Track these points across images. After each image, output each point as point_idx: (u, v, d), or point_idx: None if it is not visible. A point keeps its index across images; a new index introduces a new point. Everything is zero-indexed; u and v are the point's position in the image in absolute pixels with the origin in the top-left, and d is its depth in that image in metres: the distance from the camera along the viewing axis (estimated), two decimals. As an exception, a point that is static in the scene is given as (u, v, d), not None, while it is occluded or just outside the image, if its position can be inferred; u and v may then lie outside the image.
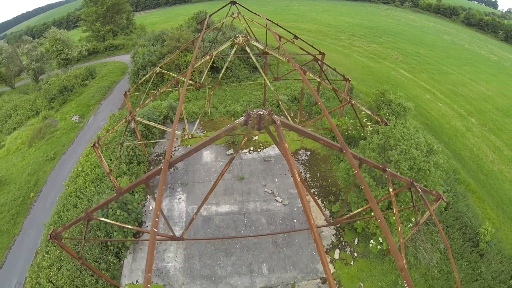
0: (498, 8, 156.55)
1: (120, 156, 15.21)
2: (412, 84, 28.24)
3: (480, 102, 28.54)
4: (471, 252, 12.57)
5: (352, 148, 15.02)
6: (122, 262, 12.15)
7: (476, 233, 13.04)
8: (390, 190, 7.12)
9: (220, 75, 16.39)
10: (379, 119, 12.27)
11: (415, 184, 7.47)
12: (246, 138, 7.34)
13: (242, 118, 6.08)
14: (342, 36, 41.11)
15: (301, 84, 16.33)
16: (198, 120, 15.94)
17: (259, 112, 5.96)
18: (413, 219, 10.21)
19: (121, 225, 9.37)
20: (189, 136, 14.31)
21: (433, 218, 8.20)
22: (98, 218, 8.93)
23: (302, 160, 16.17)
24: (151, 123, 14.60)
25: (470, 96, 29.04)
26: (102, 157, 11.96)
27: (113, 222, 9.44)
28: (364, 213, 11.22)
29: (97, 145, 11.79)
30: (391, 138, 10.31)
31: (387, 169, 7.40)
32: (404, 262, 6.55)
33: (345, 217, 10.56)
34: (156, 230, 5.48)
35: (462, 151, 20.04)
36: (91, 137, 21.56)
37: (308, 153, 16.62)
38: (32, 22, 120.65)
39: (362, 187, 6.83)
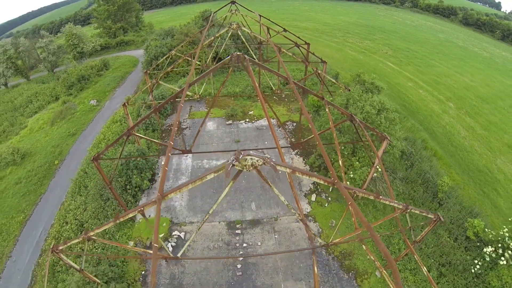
0: (502, 9, 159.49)
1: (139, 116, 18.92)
2: (397, 75, 31.64)
3: (461, 90, 31.75)
4: (431, 201, 15.72)
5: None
6: (137, 202, 15.58)
7: (435, 184, 16.16)
8: (331, 123, 10.48)
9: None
10: (342, 86, 15.74)
11: (354, 116, 10.77)
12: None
13: (227, 58, 9.68)
14: (337, 33, 44.85)
15: (289, 67, 20.01)
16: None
17: (237, 53, 9.64)
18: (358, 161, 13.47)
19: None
20: (197, 96, 17.88)
21: (376, 154, 11.49)
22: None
23: (289, 129, 19.64)
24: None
25: (452, 85, 32.27)
26: (129, 114, 15.56)
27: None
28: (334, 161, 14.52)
29: (126, 104, 15.41)
30: (350, 99, 13.66)
31: (325, 99, 10.73)
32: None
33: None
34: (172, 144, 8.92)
35: (435, 128, 23.25)
36: (108, 117, 25.30)
37: (294, 124, 20.12)
38: (37, 21, 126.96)
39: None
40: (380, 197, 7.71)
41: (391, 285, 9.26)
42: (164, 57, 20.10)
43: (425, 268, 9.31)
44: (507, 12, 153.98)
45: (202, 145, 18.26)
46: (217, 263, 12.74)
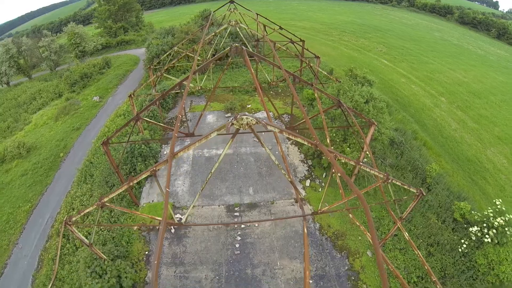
0: (500, 9, 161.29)
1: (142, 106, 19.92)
2: (390, 71, 32.67)
3: (453, 86, 32.78)
4: (420, 186, 16.63)
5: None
6: (141, 188, 16.47)
7: (424, 171, 17.11)
8: (319, 106, 11.40)
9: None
10: (333, 78, 16.74)
11: (341, 102, 11.70)
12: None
13: (227, 49, 10.59)
14: (334, 32, 45.95)
15: (285, 64, 21.03)
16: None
17: (236, 44, 10.57)
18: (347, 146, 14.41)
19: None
20: (199, 88, 18.85)
21: (361, 135, 12.44)
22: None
23: (285, 121, 20.55)
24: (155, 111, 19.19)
25: (445, 81, 33.30)
26: (134, 104, 16.51)
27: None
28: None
29: (132, 95, 16.36)
30: (341, 89, 14.63)
31: (314, 85, 11.68)
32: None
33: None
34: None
35: (426, 120, 24.23)
36: (111, 112, 26.21)
37: (290, 116, 21.02)
38: (36, 22, 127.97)
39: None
40: (361, 163, 8.60)
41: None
42: (167, 53, 21.12)
43: (413, 243, 10.17)
44: (505, 11, 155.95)
45: (201, 129, 19.22)
46: (217, 243, 13.63)
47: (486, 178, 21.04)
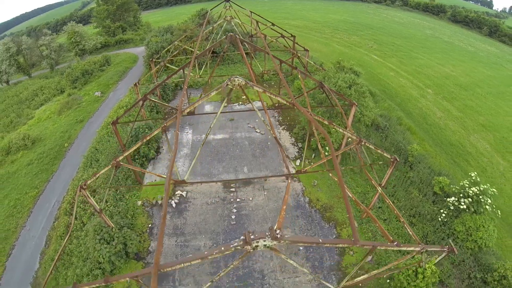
0: (494, 8, 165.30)
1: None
2: (380, 65, 34.48)
3: (441, 79, 34.62)
4: (403, 165, 18.21)
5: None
6: (147, 163, 17.90)
7: (406, 151, 18.71)
8: (303, 87, 12.93)
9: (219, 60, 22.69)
10: (319, 67, 18.37)
11: (323, 83, 13.28)
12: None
13: (223, 38, 12.08)
14: (326, 30, 47.91)
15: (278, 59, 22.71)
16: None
17: (231, 33, 12.08)
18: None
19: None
20: (198, 76, 20.40)
21: (344, 117, 14.00)
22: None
23: (278, 110, 22.13)
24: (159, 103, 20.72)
25: (432, 75, 35.14)
26: (139, 93, 18.02)
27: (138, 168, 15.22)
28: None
29: (138, 84, 17.88)
30: (326, 76, 16.24)
31: (298, 68, 13.24)
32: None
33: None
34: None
35: (412, 109, 25.92)
36: (113, 106, 27.63)
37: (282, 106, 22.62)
38: (32, 22, 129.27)
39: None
40: (333, 123, 10.14)
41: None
42: (166, 49, 22.71)
43: (394, 206, 11.60)
44: (499, 10, 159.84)
45: (201, 123, 20.69)
46: (214, 215, 15.04)
47: (468, 160, 22.69)
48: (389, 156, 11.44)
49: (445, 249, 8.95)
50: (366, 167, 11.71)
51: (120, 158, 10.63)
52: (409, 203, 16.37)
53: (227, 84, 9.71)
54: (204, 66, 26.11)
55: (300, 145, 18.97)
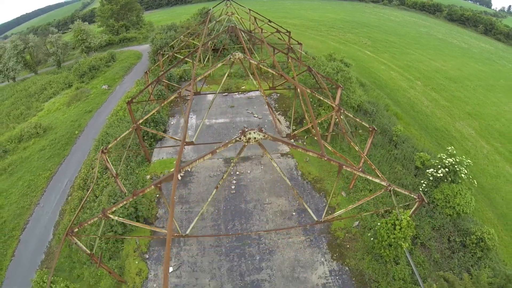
0: (492, 7, 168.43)
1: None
2: (372, 60, 36.67)
3: (431, 72, 36.77)
4: (388, 144, 20.20)
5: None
6: (152, 150, 19.87)
7: (391, 132, 20.73)
8: (292, 70, 14.96)
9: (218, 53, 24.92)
10: (310, 57, 20.49)
11: (311, 67, 15.34)
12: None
13: (224, 29, 14.24)
14: (322, 28, 50.32)
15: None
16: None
17: (231, 25, 14.28)
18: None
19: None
20: (202, 65, 22.55)
21: (330, 99, 16.04)
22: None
23: (274, 99, 24.27)
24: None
25: (423, 69, 37.31)
26: (150, 80, 20.12)
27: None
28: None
29: (148, 72, 20.03)
30: (316, 65, 18.36)
31: (288, 54, 15.34)
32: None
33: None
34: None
35: (401, 98, 27.98)
36: (121, 97, 29.72)
37: (278, 95, 24.77)
38: (32, 23, 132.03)
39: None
40: (315, 92, 12.17)
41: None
42: (170, 45, 24.92)
43: (377, 169, 13.48)
44: (497, 10, 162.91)
45: (204, 110, 22.76)
46: (216, 185, 16.99)
47: (452, 143, 24.65)
48: (367, 126, 13.42)
49: (415, 196, 10.87)
50: (347, 134, 13.60)
51: (141, 121, 12.63)
52: (393, 176, 18.30)
53: (230, 58, 11.74)
54: (205, 60, 28.32)
55: (294, 127, 21.00)
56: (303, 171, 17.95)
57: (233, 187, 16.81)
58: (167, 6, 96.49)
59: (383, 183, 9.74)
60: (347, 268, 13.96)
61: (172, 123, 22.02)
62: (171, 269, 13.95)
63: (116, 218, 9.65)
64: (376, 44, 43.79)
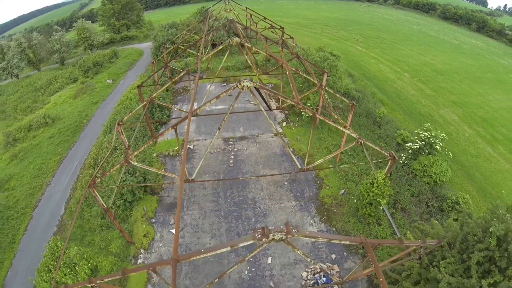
0: (488, 6, 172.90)
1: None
2: (363, 55, 39.27)
3: (419, 66, 39.37)
4: (372, 125, 22.56)
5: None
6: (157, 132, 22.14)
7: (374, 114, 23.12)
8: (282, 57, 17.37)
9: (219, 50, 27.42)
10: (299, 48, 22.96)
11: (299, 55, 17.75)
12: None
13: (223, 23, 16.65)
14: (317, 26, 53.12)
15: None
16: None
17: (230, 19, 16.70)
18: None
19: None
20: (205, 56, 24.85)
21: (315, 81, 18.44)
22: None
23: (269, 87, 26.69)
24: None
25: (412, 62, 39.92)
26: (154, 67, 22.47)
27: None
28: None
29: (154, 62, 22.38)
30: (304, 54, 20.83)
31: (279, 43, 17.75)
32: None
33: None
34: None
35: (387, 88, 30.44)
36: (125, 90, 32.03)
37: (272, 85, 27.26)
38: (30, 24, 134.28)
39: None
40: (300, 71, 14.51)
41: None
42: (173, 39, 27.44)
43: (351, 129, 15.79)
44: (493, 9, 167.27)
45: (205, 98, 25.14)
46: (216, 160, 19.21)
47: (435, 127, 27.08)
48: (347, 101, 15.78)
49: (386, 153, 13.12)
50: (329, 108, 15.86)
51: (154, 95, 14.90)
52: (376, 151, 20.59)
53: (229, 41, 14.06)
54: (206, 53, 30.84)
55: (286, 111, 23.40)
56: (294, 148, 20.24)
57: (231, 161, 19.06)
58: (166, 6, 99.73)
59: (353, 135, 12.01)
60: (334, 229, 16.10)
61: (175, 109, 24.38)
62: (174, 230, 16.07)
63: (136, 163, 11.76)
64: (368, 40, 46.50)
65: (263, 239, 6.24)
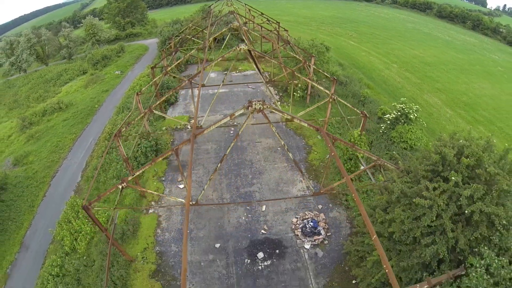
0: (487, 6, 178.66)
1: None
2: (354, 48, 43.21)
3: (408, 58, 43.24)
4: (357, 104, 26.18)
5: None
6: (166, 112, 25.80)
7: (359, 95, 26.81)
8: (277, 44, 21.06)
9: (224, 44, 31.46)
10: (292, 38, 26.87)
11: (289, 41, 21.45)
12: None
13: (225, 15, 20.51)
14: (313, 24, 57.40)
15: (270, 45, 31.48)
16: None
17: (231, 10, 20.59)
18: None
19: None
20: (208, 45, 28.57)
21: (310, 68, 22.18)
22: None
23: (266, 76, 30.56)
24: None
25: (401, 55, 43.81)
26: (164, 54, 26.26)
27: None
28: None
29: (164, 50, 26.22)
30: (295, 43, 24.69)
31: (273, 32, 21.48)
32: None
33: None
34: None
35: (375, 76, 34.17)
36: (133, 79, 35.81)
37: (269, 72, 31.14)
38: (31, 24, 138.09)
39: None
40: (288, 58, 18.16)
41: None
42: (178, 33, 31.43)
43: (336, 96, 19.37)
44: (492, 9, 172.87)
45: (208, 83, 28.93)
46: (218, 131, 22.78)
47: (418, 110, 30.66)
48: (328, 75, 19.43)
49: (359, 112, 16.63)
50: (313, 80, 19.41)
51: (169, 68, 18.54)
52: (359, 124, 24.16)
53: (235, 49, 17.30)
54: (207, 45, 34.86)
55: (281, 94, 27.14)
56: (286, 123, 23.83)
57: (231, 132, 22.64)
58: (167, 6, 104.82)
59: (327, 91, 15.56)
60: (321, 185, 19.50)
61: (182, 92, 28.21)
62: (181, 185, 19.43)
63: (155, 112, 15.19)
64: (361, 36, 50.59)
65: (249, 108, 11.06)
